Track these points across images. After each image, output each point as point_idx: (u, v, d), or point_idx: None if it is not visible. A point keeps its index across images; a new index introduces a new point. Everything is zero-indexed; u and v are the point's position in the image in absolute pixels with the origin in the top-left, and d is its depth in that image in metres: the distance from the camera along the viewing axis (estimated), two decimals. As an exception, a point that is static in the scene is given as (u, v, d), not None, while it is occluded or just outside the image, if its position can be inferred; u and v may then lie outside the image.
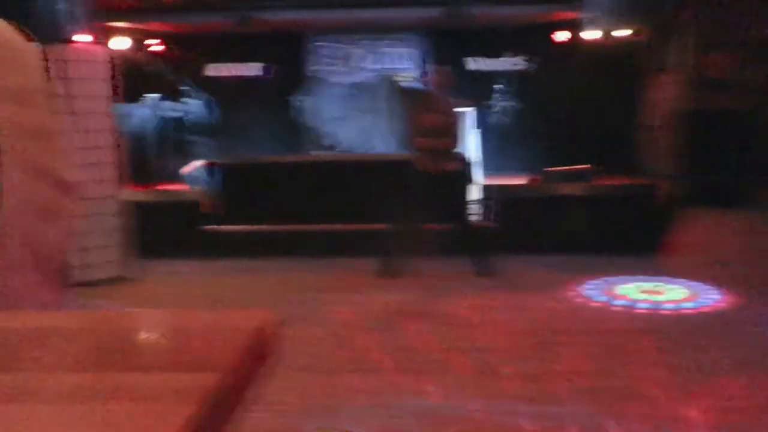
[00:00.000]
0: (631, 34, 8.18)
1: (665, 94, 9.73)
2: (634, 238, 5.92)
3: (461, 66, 11.37)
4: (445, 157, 5.16)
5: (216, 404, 0.53)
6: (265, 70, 11.51)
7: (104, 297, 4.97)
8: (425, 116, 5.14)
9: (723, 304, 4.49)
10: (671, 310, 4.37)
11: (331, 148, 11.16)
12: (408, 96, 11.27)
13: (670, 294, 4.74)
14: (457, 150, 5.39)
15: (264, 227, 6.18)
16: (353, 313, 4.43)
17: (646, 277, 5.15)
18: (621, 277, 5.14)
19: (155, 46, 10.78)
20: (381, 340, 3.86)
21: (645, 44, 10.37)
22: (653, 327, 4.06)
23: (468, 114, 10.06)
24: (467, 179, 5.49)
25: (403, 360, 3.56)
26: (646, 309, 4.41)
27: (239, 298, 4.75)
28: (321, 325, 4.11)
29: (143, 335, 0.56)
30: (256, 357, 0.62)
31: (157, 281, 5.43)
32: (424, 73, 5.41)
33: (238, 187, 6.47)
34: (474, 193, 6.62)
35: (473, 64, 11.40)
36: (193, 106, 9.28)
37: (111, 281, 5.34)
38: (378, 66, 11.48)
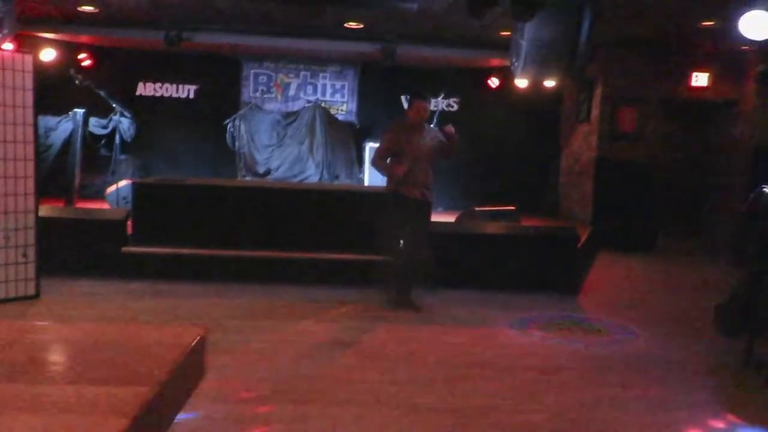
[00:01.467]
0: (553, 86, 8.64)
1: (581, 143, 10.29)
2: (555, 277, 6.16)
3: (397, 103, 11.64)
4: (428, 186, 5.24)
5: (148, 417, 0.53)
6: (198, 92, 11.39)
7: (16, 315, 4.70)
8: (411, 145, 5.11)
9: (633, 343, 4.72)
10: (586, 347, 4.56)
11: (264, 174, 11.09)
12: (336, 125, 11.39)
13: (587, 332, 4.94)
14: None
15: (185, 250, 6.04)
16: (266, 341, 4.37)
17: (566, 315, 5.36)
18: (542, 314, 5.32)
19: (84, 59, 10.46)
20: (295, 370, 3.83)
21: (565, 96, 10.97)
22: (570, 363, 4.21)
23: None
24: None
25: (318, 390, 3.53)
26: (565, 345, 4.58)
27: (153, 322, 4.60)
28: (231, 353, 4.03)
29: (75, 348, 0.56)
30: (187, 372, 0.63)
31: (71, 301, 5.18)
32: (409, 104, 5.40)
33: (161, 209, 6.31)
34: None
35: (406, 101, 11.69)
36: (120, 123, 9.02)
37: (24, 299, 5.06)
38: (313, 96, 11.58)
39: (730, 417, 3.40)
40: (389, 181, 5.27)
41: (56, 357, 0.51)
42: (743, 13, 5.82)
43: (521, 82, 7.93)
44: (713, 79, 9.68)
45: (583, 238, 6.89)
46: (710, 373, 4.13)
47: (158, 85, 11.35)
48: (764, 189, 4.07)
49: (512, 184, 10.92)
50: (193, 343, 0.56)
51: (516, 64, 6.74)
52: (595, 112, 9.87)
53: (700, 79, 9.66)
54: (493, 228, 6.78)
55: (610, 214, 9.09)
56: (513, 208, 7.85)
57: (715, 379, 4.04)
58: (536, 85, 8.83)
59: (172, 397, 0.58)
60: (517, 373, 3.95)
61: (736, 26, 5.90)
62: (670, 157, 9.86)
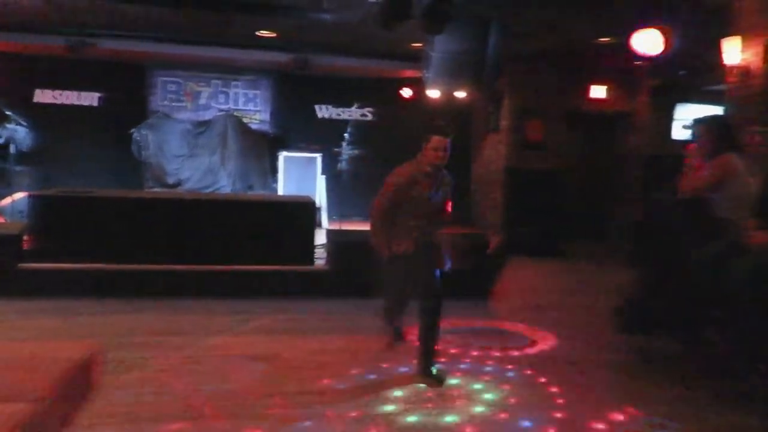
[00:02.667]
0: (465, 97, 8.90)
1: (491, 153, 10.65)
2: (467, 284, 6.31)
3: (311, 112, 11.62)
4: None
5: (28, 435, 0.50)
6: (103, 100, 10.91)
7: None
8: (420, 201, 4.12)
9: (538, 344, 4.91)
10: (494, 351, 4.69)
11: (174, 185, 10.74)
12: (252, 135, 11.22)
13: (495, 336, 5.09)
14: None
15: (87, 266, 5.75)
16: (177, 358, 4.23)
17: (479, 321, 5.50)
18: (455, 320, 5.43)
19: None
20: (207, 386, 3.72)
21: (476, 107, 11.32)
22: (479, 367, 4.33)
23: (315, 160, 10.26)
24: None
25: (227, 405, 3.45)
26: (474, 350, 4.69)
27: (56, 342, 4.35)
28: (138, 370, 3.88)
29: None
30: (74, 389, 0.59)
31: (-41, 324, 4.81)
32: (424, 141, 4.20)
33: (61, 222, 5.99)
34: (319, 237, 6.72)
35: (321, 111, 11.69)
36: (17, 132, 8.49)
37: None
38: (225, 105, 11.36)
39: (629, 410, 3.60)
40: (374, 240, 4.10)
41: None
42: (636, 32, 6.24)
43: (433, 93, 8.12)
44: (611, 92, 10.28)
45: (494, 244, 7.11)
46: (610, 369, 4.36)
47: (58, 92, 10.78)
48: (655, 196, 4.35)
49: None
50: (80, 360, 0.53)
51: (427, 75, 6.91)
52: (504, 122, 10.23)
53: (598, 92, 10.23)
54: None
55: (519, 220, 9.44)
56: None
57: (614, 374, 4.27)
58: (448, 95, 9.08)
59: (56, 413, 0.55)
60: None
61: (630, 43, 6.32)
62: (573, 165, 10.37)
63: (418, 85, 10.54)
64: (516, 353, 4.67)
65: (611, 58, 9.14)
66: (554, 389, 3.91)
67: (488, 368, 4.31)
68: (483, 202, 11.01)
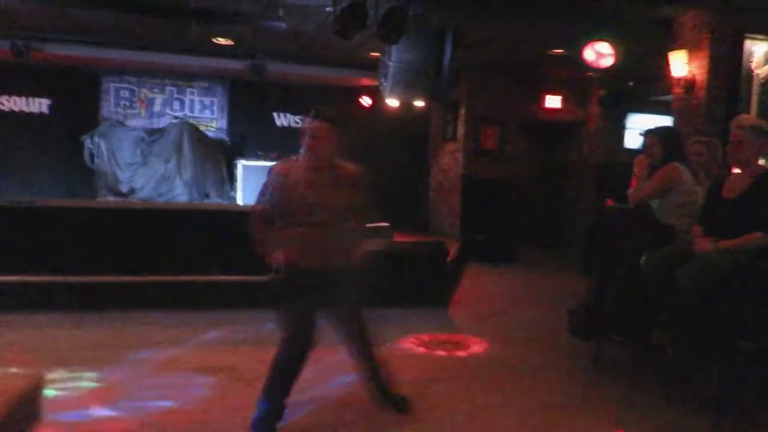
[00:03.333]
0: (422, 106, 8.98)
1: (448, 161, 10.78)
2: (427, 291, 6.35)
3: (269, 120, 11.54)
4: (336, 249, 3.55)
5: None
6: (52, 106, 10.62)
7: None
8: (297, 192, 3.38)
9: (495, 351, 4.97)
10: (453, 359, 4.74)
11: (127, 194, 10.51)
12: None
13: (454, 343, 5.14)
14: None
15: (34, 278, 5.58)
16: (131, 372, 4.14)
17: (436, 328, 5.54)
18: (413, 328, 5.46)
19: None
20: (161, 401, 3.65)
21: (433, 115, 11.45)
22: (439, 375, 4.36)
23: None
24: None
25: (189, 421, 3.39)
26: (433, 358, 4.73)
27: (5, 358, 4.20)
28: (85, 388, 3.78)
29: None
30: (18, 419, 0.58)
31: None
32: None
33: (7, 233, 5.79)
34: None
35: (280, 119, 11.63)
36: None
37: None
38: (180, 112, 11.19)
39: (573, 412, 3.68)
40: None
41: None
42: (587, 44, 6.41)
43: (391, 102, 8.17)
44: (564, 102, 10.52)
45: (453, 252, 7.18)
46: (565, 373, 4.44)
47: (5, 98, 10.45)
48: (605, 203, 4.47)
49: (385, 200, 11.14)
50: (25, 389, 0.51)
51: (385, 84, 6.95)
52: (460, 131, 10.36)
53: (552, 101, 10.47)
54: (367, 245, 6.87)
55: (476, 227, 9.55)
56: (386, 224, 8.01)
57: (569, 378, 4.35)
58: (406, 104, 9.15)
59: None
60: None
61: (582, 55, 6.49)
62: (528, 173, 10.57)
63: (376, 93, 10.61)
64: (472, 362, 4.72)
65: (564, 68, 9.38)
66: (511, 396, 3.97)
67: (444, 377, 4.35)
68: (441, 209, 11.11)
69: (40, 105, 10.62)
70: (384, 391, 3.61)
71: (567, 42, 7.32)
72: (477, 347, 5.08)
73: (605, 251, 4.32)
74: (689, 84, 6.47)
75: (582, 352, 4.71)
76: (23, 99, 10.53)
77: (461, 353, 4.89)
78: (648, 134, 4.58)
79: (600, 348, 4.47)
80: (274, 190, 3.36)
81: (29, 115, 10.56)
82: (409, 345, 5.03)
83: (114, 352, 4.51)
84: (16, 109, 10.51)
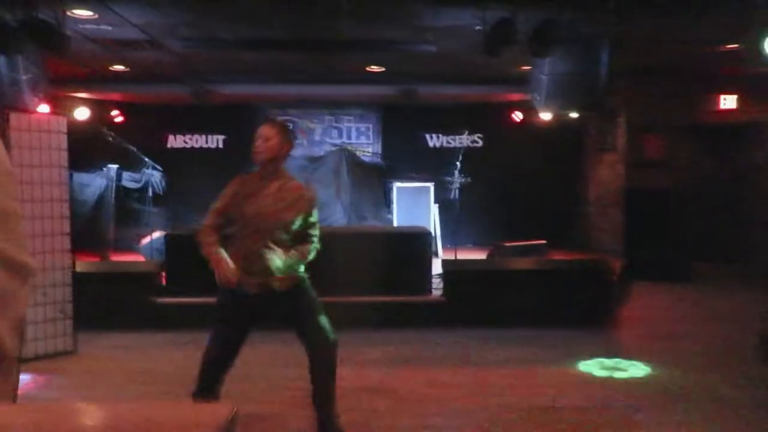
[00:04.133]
0: (575, 117, 8.62)
1: (608, 173, 10.20)
2: (590, 312, 6.05)
3: (421, 142, 11.75)
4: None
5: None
6: (226, 141, 11.65)
7: (51, 371, 4.77)
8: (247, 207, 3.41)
9: (677, 378, 4.57)
10: (627, 384, 4.43)
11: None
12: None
13: (630, 370, 4.80)
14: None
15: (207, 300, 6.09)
16: (299, 389, 4.34)
17: (606, 351, 5.23)
18: (579, 350, 5.20)
19: (116, 116, 10.83)
20: (345, 416, 3.78)
21: (587, 126, 10.94)
22: (614, 401, 4.09)
23: (428, 189, 10.33)
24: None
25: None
26: (605, 383, 4.46)
27: (189, 375, 4.62)
28: (256, 402, 4.01)
29: (104, 429, 0.55)
30: None
31: (106, 355, 5.24)
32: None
33: (193, 259, 6.39)
34: (435, 266, 6.70)
35: (432, 140, 11.79)
36: (152, 176, 9.25)
37: (60, 354, 5.14)
38: (338, 140, 11.75)
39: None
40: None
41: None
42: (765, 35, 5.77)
43: (544, 116, 7.95)
44: (740, 102, 9.56)
45: (617, 270, 6.77)
46: (762, 408, 3.96)
47: (188, 137, 11.64)
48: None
49: (540, 217, 10.84)
50: (225, 423, 0.54)
51: (537, 98, 6.76)
52: (620, 140, 9.80)
53: (728, 102, 9.55)
54: (523, 263, 6.71)
55: (642, 243, 8.93)
56: (543, 242, 7.77)
57: (758, 413, 3.88)
58: (560, 117, 8.85)
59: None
60: (562, 414, 3.84)
61: (759, 48, 5.86)
62: (697, 182, 9.70)
63: (527, 107, 10.38)
64: (649, 389, 4.38)
65: (739, 65, 8.53)
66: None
67: (619, 403, 4.07)
68: (601, 224, 10.54)
69: (216, 141, 11.69)
70: (322, 421, 3.39)
71: (743, 36, 6.65)
72: (650, 373, 4.70)
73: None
74: None
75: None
76: (203, 137, 11.66)
77: (629, 378, 4.55)
78: None
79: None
80: (225, 198, 3.42)
81: (207, 151, 11.66)
82: (570, 369, 4.79)
83: (285, 370, 4.76)
84: (196, 145, 11.67)
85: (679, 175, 9.50)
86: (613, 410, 3.94)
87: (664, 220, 9.01)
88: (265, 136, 3.38)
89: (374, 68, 9.06)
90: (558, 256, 7.95)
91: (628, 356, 5.11)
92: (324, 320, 3.42)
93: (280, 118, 11.72)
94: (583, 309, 6.06)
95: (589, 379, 4.56)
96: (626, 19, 6.50)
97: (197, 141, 11.67)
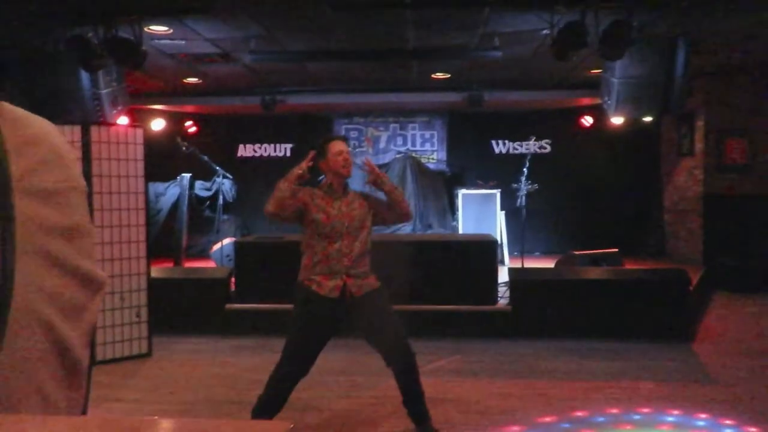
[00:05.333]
0: (650, 121, 8.28)
1: (685, 179, 9.75)
2: (666, 324, 5.79)
3: (487, 148, 11.61)
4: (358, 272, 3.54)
5: None
6: (294, 150, 11.87)
7: (127, 374, 4.97)
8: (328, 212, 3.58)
9: (751, 397, 4.30)
10: (712, 403, 4.20)
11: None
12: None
13: (707, 384, 4.56)
14: None
15: (286, 306, 6.18)
16: (360, 397, 4.34)
17: (684, 368, 4.99)
18: (652, 364, 4.98)
19: (189, 127, 11.25)
20: (392, 427, 3.76)
21: (662, 130, 10.50)
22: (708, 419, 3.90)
23: (494, 196, 10.19)
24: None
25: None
26: (679, 399, 4.25)
27: (256, 379, 4.71)
28: (321, 410, 4.02)
29: None
30: None
31: (179, 359, 5.41)
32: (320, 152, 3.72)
33: (261, 266, 6.53)
34: (501, 275, 6.59)
35: (498, 146, 11.63)
36: (223, 185, 9.53)
37: (135, 357, 5.35)
38: (403, 147, 11.76)
39: None
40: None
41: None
42: None
43: (616, 120, 7.69)
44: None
45: (695, 280, 6.46)
46: None
47: (257, 146, 11.94)
48: None
49: (612, 225, 10.49)
50: None
51: (609, 102, 6.56)
52: (698, 145, 9.37)
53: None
54: (594, 273, 6.50)
55: (723, 252, 8.49)
56: (615, 250, 7.50)
57: None
58: (632, 121, 8.54)
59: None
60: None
61: None
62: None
63: (597, 112, 10.07)
64: (745, 407, 4.14)
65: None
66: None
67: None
68: (678, 232, 10.10)
69: (284, 150, 11.94)
70: (418, 420, 3.50)
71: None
72: (735, 390, 4.44)
73: None
74: None
75: None
76: (271, 146, 11.93)
77: (713, 398, 4.31)
78: None
79: None
80: (304, 193, 3.59)
81: (274, 159, 11.92)
82: (643, 383, 4.59)
83: (347, 377, 4.78)
84: (265, 155, 11.96)
85: (763, 180, 8.99)
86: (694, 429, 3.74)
87: (748, 228, 8.55)
88: (348, 152, 3.55)
89: (439, 75, 9.02)
90: (630, 265, 7.64)
91: (708, 372, 4.86)
92: (399, 329, 3.48)
93: (345, 126, 11.90)
94: (658, 321, 5.81)
95: (664, 395, 4.36)
96: (707, 17, 6.22)
97: (266, 150, 11.95)
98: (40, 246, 0.68)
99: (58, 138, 0.78)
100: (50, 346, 0.68)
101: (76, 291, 0.71)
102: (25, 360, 0.65)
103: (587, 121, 10.85)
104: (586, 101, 10.24)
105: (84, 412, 0.77)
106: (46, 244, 0.69)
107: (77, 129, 5.15)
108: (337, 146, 3.53)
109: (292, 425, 0.57)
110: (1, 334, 0.63)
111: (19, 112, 0.74)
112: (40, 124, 0.74)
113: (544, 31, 6.13)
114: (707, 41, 7.00)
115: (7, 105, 0.72)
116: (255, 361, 5.28)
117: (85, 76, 6.09)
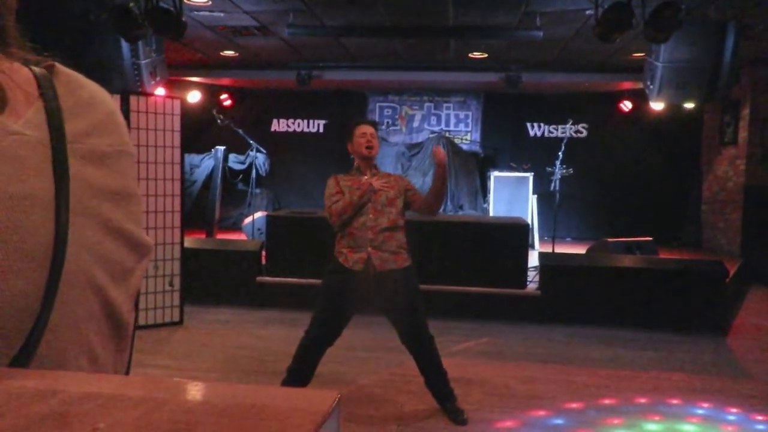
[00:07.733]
0: (692, 108, 8.06)
1: (726, 169, 9.49)
2: (699, 316, 5.68)
3: (521, 131, 11.45)
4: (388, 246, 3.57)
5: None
6: (327, 126, 11.88)
7: (160, 340, 5.08)
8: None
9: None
10: (741, 397, 4.13)
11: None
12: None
13: (738, 377, 4.48)
14: None
15: (314, 281, 6.23)
16: (387, 374, 4.36)
17: (718, 361, 4.90)
18: (683, 356, 4.91)
19: (225, 100, 11.32)
20: (415, 406, 3.78)
21: (704, 117, 10.21)
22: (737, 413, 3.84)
23: (527, 180, 10.07)
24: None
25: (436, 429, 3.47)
26: (707, 391, 4.18)
27: (285, 351, 4.78)
28: (350, 384, 4.05)
29: (210, 410, 0.54)
30: None
31: (209, 328, 5.51)
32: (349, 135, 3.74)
33: (293, 240, 6.58)
34: (531, 259, 6.53)
35: (533, 129, 11.45)
36: (256, 159, 9.59)
37: (170, 325, 5.47)
38: (437, 127, 11.67)
39: None
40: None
41: (191, 418, 0.50)
42: None
43: (657, 106, 7.50)
44: None
45: (732, 273, 6.31)
46: None
47: (290, 121, 11.97)
48: None
49: (647, 213, 10.30)
50: (329, 412, 0.52)
51: (651, 87, 6.39)
52: (742, 134, 9.09)
53: None
54: (627, 261, 6.39)
55: (762, 245, 8.27)
56: (649, 239, 7.36)
57: None
58: (673, 107, 8.32)
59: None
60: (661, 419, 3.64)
61: None
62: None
63: (637, 97, 9.84)
64: None
65: None
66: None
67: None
68: (716, 224, 9.87)
69: (317, 126, 11.95)
70: (441, 400, 3.62)
71: None
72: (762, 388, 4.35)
73: None
74: None
75: None
76: (305, 121, 11.95)
77: (744, 391, 4.23)
78: None
79: None
80: (334, 189, 3.58)
81: (308, 135, 11.95)
82: (672, 374, 4.52)
83: (374, 354, 4.82)
84: (298, 130, 11.99)
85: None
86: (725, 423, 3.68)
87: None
88: (372, 134, 3.59)
89: (477, 55, 8.89)
90: (665, 255, 7.50)
91: (745, 367, 4.76)
92: (417, 312, 3.54)
93: (379, 104, 11.84)
94: (692, 313, 5.70)
95: (695, 387, 4.29)
96: (757, 2, 6.00)
97: (299, 125, 11.98)
98: (93, 208, 0.68)
99: (112, 103, 0.78)
100: (99, 308, 0.69)
101: (124, 254, 0.72)
102: (76, 320, 0.66)
103: (626, 106, 10.61)
104: (626, 85, 10.01)
105: (127, 374, 0.78)
106: (97, 207, 0.69)
107: (116, 98, 5.22)
108: (361, 129, 3.62)
109: (339, 395, 0.56)
110: (53, 293, 0.63)
111: (74, 74, 0.74)
112: (94, 87, 0.74)
113: (588, 12, 5.99)
114: (757, 27, 6.76)
115: (61, 67, 0.72)
116: (284, 333, 5.34)
117: (125, 46, 6.15)
